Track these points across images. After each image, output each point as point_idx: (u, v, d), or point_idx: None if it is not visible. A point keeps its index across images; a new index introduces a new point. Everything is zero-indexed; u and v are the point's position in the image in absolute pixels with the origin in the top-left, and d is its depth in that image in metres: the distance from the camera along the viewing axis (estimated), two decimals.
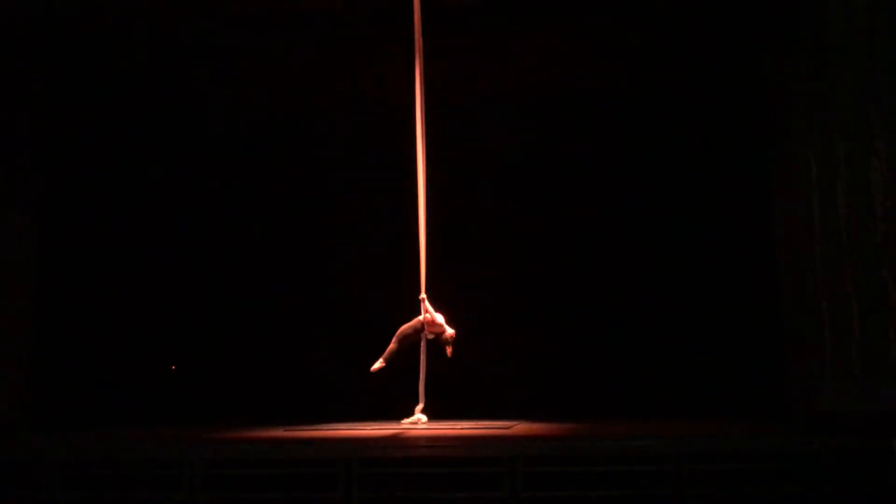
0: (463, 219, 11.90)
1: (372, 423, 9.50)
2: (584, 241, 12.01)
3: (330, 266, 12.44)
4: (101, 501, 6.54)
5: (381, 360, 9.17)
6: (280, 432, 8.51)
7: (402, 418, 9.41)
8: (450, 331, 9.24)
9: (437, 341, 9.24)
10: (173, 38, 10.92)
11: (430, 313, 9.18)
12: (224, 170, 12.73)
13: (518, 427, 8.69)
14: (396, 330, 9.30)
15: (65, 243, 11.21)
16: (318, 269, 12.47)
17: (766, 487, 6.24)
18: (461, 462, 6.46)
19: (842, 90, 8.61)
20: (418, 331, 9.24)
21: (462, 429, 8.57)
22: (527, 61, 11.40)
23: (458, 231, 11.69)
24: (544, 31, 10.81)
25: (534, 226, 12.14)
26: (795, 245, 9.94)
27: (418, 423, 9.22)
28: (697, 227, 11.59)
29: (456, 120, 11.55)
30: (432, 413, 9.45)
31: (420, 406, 9.24)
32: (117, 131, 12.09)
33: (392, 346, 9.20)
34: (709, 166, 11.58)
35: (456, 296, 10.96)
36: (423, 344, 9.28)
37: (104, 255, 11.81)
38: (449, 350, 9.21)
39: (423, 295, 9.25)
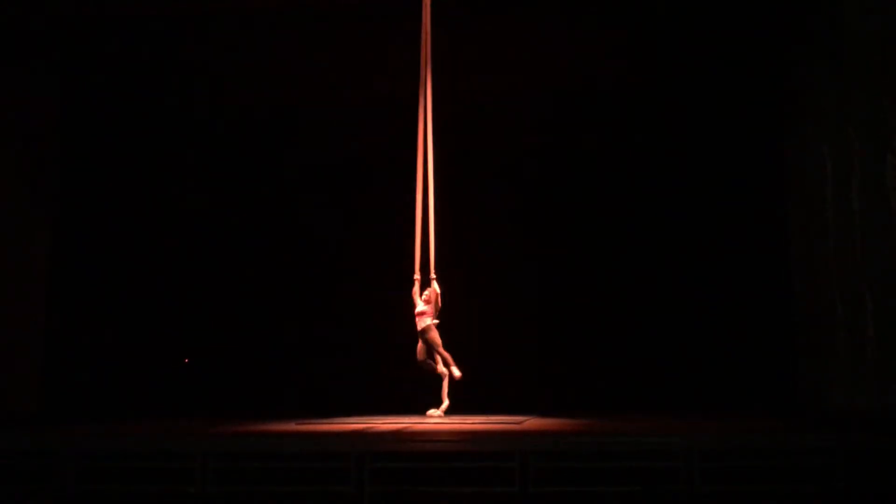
0: (473, 216, 11.89)
1: (383, 418, 9.51)
2: (597, 238, 11.98)
3: (344, 261, 12.44)
4: (113, 494, 6.57)
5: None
6: (291, 426, 8.53)
7: (412, 414, 9.44)
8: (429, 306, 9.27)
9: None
10: (183, 37, 10.95)
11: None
12: (234, 167, 12.76)
13: (530, 422, 8.68)
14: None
15: (78, 239, 11.26)
16: (331, 265, 12.48)
17: (778, 484, 6.22)
18: (473, 457, 6.46)
19: (858, 87, 8.57)
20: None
21: (474, 424, 8.56)
22: (540, 54, 11.37)
23: (469, 228, 11.69)
24: (557, 23, 10.78)
25: (546, 222, 12.11)
26: (809, 241, 9.91)
27: (432, 416, 9.26)
28: (711, 224, 11.55)
29: (464, 114, 11.54)
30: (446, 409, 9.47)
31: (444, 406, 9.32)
32: (130, 131, 12.15)
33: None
34: (724, 163, 11.53)
35: (468, 291, 10.98)
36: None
37: (116, 251, 11.86)
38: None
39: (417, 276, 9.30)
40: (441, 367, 9.29)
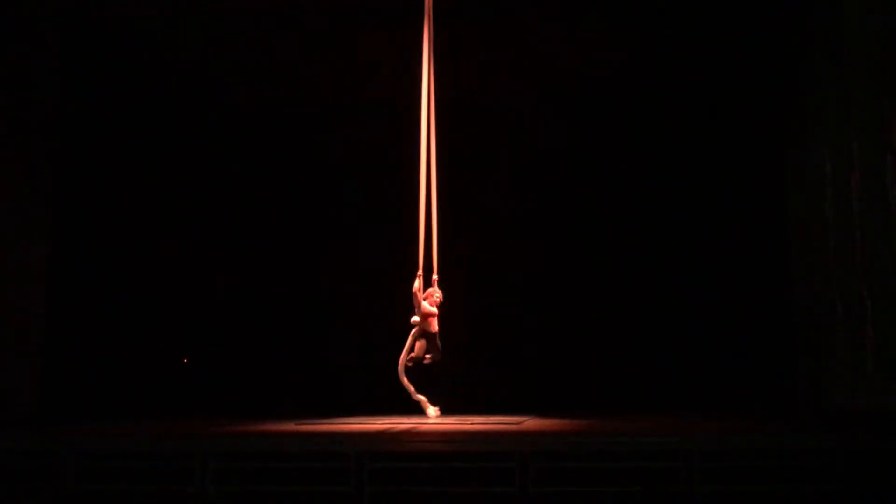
0: (473, 217, 11.88)
1: (383, 418, 9.51)
2: (597, 238, 11.98)
3: (344, 261, 12.44)
4: (113, 494, 6.57)
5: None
6: (291, 426, 8.53)
7: (412, 414, 9.43)
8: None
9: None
10: (183, 37, 10.94)
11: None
12: (234, 167, 12.75)
13: (529, 423, 8.68)
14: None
15: (77, 239, 11.24)
16: (331, 265, 12.48)
17: (778, 484, 6.22)
18: (472, 457, 6.46)
19: (858, 87, 8.57)
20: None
21: (474, 424, 8.57)
22: (540, 54, 11.36)
23: (469, 228, 11.68)
24: (557, 23, 10.78)
25: (546, 222, 12.11)
26: (809, 241, 9.91)
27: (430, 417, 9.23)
28: (711, 224, 11.55)
29: (464, 114, 11.53)
30: (444, 409, 9.46)
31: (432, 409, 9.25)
32: (129, 131, 12.12)
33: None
34: (724, 163, 11.53)
35: (468, 291, 10.97)
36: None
37: (116, 251, 11.84)
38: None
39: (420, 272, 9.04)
40: (417, 394, 9.16)
